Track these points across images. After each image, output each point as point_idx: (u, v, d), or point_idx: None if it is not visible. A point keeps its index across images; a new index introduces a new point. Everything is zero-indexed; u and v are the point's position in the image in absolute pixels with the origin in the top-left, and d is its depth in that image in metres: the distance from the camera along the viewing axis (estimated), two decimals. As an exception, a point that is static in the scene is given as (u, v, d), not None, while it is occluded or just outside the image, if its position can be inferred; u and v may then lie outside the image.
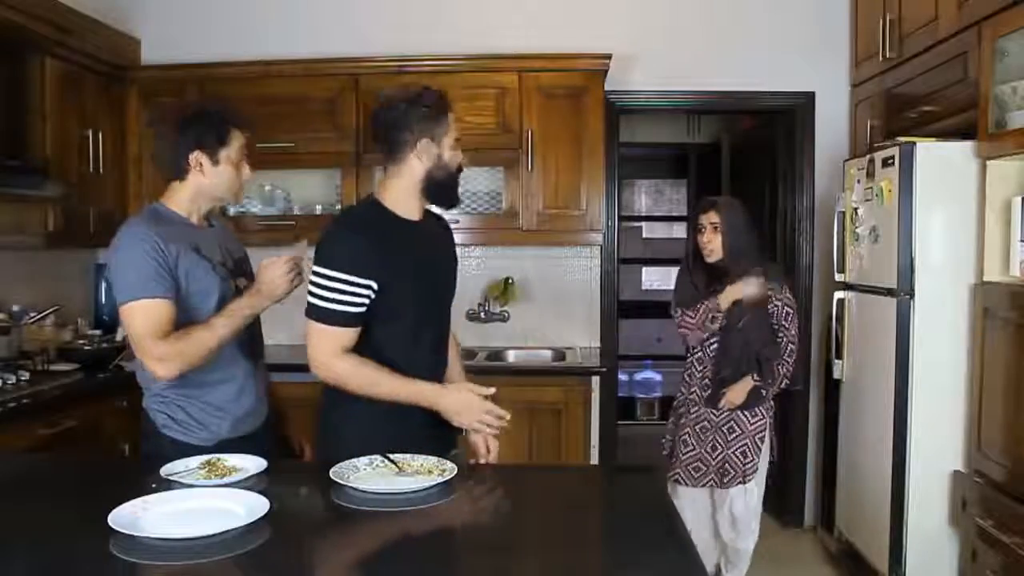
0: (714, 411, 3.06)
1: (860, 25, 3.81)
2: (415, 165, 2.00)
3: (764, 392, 3.03)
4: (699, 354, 3.12)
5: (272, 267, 2.03)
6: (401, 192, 2.02)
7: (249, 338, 2.13)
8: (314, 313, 1.92)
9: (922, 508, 2.93)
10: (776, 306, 3.04)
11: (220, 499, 1.59)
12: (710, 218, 3.03)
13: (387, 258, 1.94)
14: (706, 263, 3.08)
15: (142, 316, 1.90)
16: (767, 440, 3.08)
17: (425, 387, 1.97)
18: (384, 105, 2.00)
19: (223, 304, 2.02)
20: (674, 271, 3.32)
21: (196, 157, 2.02)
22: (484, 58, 3.81)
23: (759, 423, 3.05)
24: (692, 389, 3.14)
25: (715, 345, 3.07)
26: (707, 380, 3.08)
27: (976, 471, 2.75)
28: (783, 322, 3.04)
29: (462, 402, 1.96)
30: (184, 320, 1.96)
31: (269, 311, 2.21)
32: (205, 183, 2.05)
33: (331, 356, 1.93)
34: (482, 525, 1.69)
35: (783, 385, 3.10)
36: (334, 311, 1.91)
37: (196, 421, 2.03)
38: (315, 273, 1.93)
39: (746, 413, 3.04)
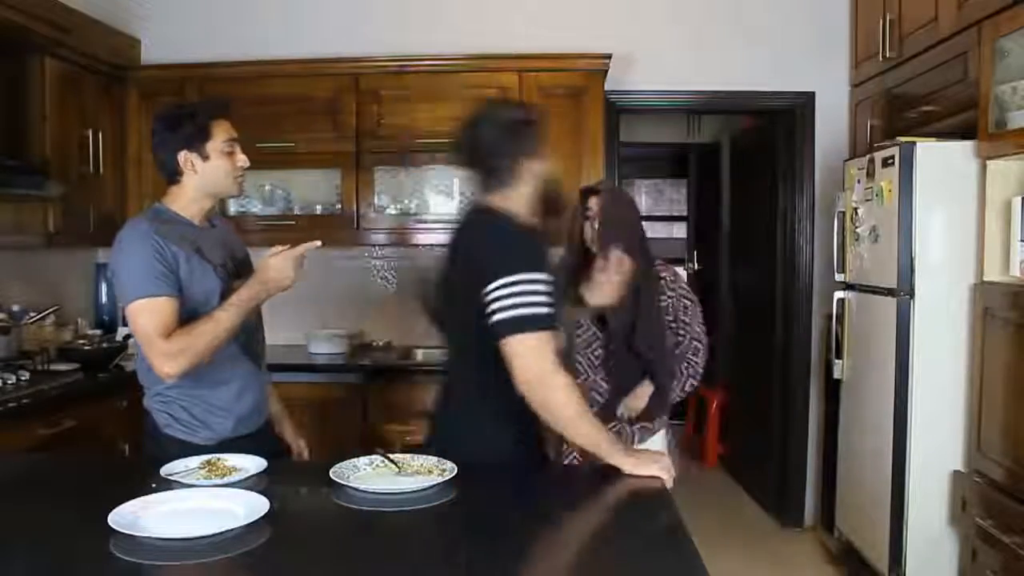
0: (624, 425, 2.61)
1: (860, 25, 3.81)
2: (523, 189, 1.94)
3: (669, 393, 2.61)
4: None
5: (282, 258, 2.00)
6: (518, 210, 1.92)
7: (251, 339, 2.14)
8: (536, 323, 1.74)
9: (922, 508, 2.93)
10: (669, 299, 2.63)
11: (220, 499, 1.59)
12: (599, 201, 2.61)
13: None
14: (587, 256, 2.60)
15: (147, 314, 1.90)
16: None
17: (605, 435, 1.82)
18: (484, 125, 1.91)
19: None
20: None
21: (185, 157, 2.03)
22: (484, 58, 3.81)
23: (660, 437, 2.69)
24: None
25: (599, 352, 2.63)
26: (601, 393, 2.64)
27: (976, 471, 2.75)
28: (682, 318, 2.63)
29: (644, 461, 1.82)
30: (186, 319, 1.96)
31: (269, 312, 2.22)
32: (200, 180, 2.05)
33: (555, 366, 1.74)
34: (482, 525, 1.69)
35: (688, 387, 2.65)
36: (551, 315, 1.76)
37: (199, 421, 2.03)
38: (521, 283, 1.75)
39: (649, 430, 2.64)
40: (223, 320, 1.95)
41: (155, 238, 1.93)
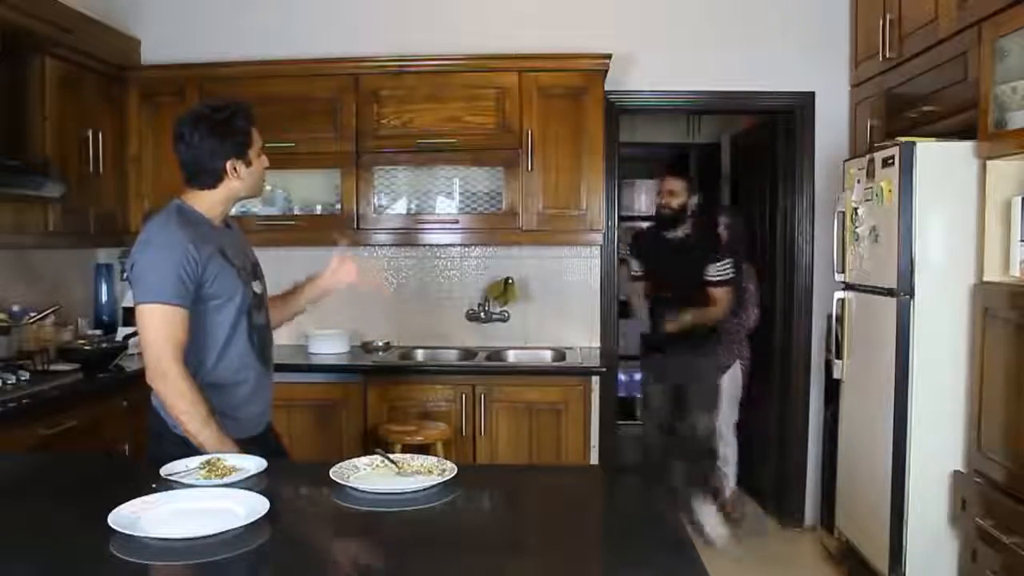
0: None
1: (860, 25, 3.81)
2: None
3: None
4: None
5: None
6: None
7: (265, 344, 2.14)
8: None
9: (922, 508, 2.93)
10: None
11: (220, 499, 1.59)
12: None
13: None
14: None
15: (160, 321, 1.91)
16: None
17: None
18: None
19: (242, 307, 2.04)
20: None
21: (233, 164, 2.03)
22: (484, 58, 3.81)
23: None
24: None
25: None
26: None
27: (976, 471, 2.75)
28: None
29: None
30: (205, 321, 1.98)
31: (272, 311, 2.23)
32: (239, 186, 2.07)
33: None
34: (482, 525, 1.69)
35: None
36: None
37: None
38: None
39: None
40: (205, 430, 1.92)
41: (188, 245, 1.93)
